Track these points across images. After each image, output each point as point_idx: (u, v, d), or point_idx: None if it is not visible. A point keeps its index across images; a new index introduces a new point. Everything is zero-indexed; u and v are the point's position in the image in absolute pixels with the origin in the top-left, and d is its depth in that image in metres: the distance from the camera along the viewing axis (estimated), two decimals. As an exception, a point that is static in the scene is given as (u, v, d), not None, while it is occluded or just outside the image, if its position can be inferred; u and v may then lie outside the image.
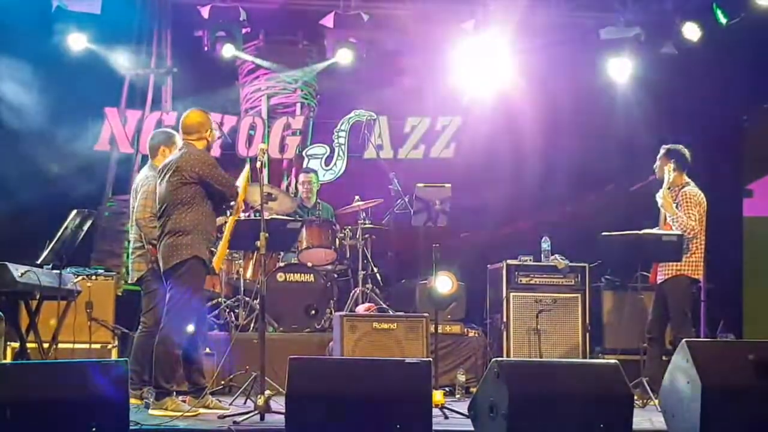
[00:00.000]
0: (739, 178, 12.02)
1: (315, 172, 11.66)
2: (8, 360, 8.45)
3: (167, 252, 7.36)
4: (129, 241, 8.22)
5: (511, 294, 9.95)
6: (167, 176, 7.42)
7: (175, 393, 7.39)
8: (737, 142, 11.67)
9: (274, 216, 9.51)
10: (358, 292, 10.23)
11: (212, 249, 7.56)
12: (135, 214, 8.02)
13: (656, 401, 7.53)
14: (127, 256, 8.31)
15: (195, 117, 7.69)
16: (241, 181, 7.71)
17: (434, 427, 6.13)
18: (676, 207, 8.69)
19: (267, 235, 7.28)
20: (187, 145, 7.56)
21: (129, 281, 8.42)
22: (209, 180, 7.37)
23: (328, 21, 11.58)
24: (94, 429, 5.56)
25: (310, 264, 10.28)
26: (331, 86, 12.56)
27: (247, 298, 9.92)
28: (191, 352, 7.55)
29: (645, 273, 8.92)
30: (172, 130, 8.63)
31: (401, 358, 7.57)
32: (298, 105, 12.66)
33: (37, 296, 8.37)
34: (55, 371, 5.82)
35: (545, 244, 10.19)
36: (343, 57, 11.79)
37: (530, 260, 10.11)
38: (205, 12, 11.35)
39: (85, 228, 7.95)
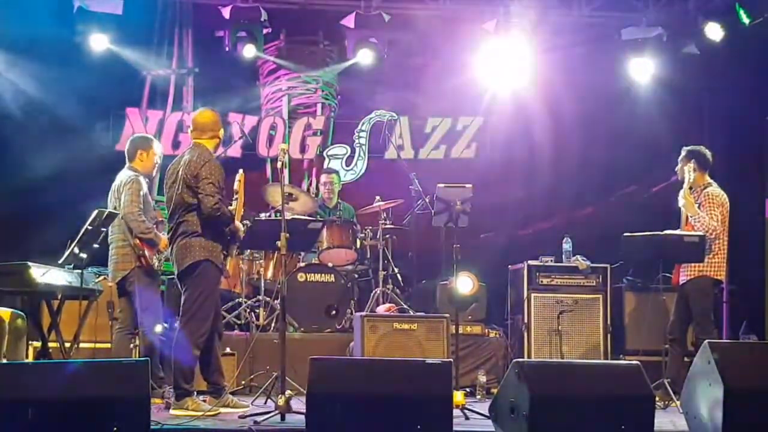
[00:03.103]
0: (761, 178, 11.93)
1: (336, 172, 11.66)
2: (30, 359, 8.48)
3: (180, 254, 7.40)
4: (110, 244, 8.24)
5: (532, 295, 9.92)
6: (177, 178, 7.44)
7: (195, 393, 7.42)
8: (760, 142, 11.57)
9: (295, 216, 9.51)
10: (378, 292, 10.22)
11: (224, 252, 7.56)
12: (122, 210, 8.04)
13: (678, 403, 7.49)
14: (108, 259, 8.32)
15: (208, 116, 7.73)
16: (236, 187, 7.71)
17: (455, 428, 6.11)
18: (698, 207, 8.63)
19: (288, 235, 7.26)
20: (197, 145, 7.55)
21: (110, 281, 8.42)
22: (197, 183, 7.28)
23: (349, 21, 11.58)
24: (115, 429, 5.57)
25: (330, 264, 10.27)
26: (351, 86, 12.58)
27: (267, 298, 9.92)
28: (209, 352, 7.57)
29: (667, 274, 8.87)
30: (149, 135, 8.89)
31: (422, 359, 7.55)
32: (319, 105, 12.69)
33: (59, 296, 8.40)
34: (77, 371, 5.83)
35: (566, 245, 10.15)
36: (364, 57, 11.79)
37: (551, 261, 10.08)
38: (226, 12, 11.37)
39: (107, 228, 7.96)
